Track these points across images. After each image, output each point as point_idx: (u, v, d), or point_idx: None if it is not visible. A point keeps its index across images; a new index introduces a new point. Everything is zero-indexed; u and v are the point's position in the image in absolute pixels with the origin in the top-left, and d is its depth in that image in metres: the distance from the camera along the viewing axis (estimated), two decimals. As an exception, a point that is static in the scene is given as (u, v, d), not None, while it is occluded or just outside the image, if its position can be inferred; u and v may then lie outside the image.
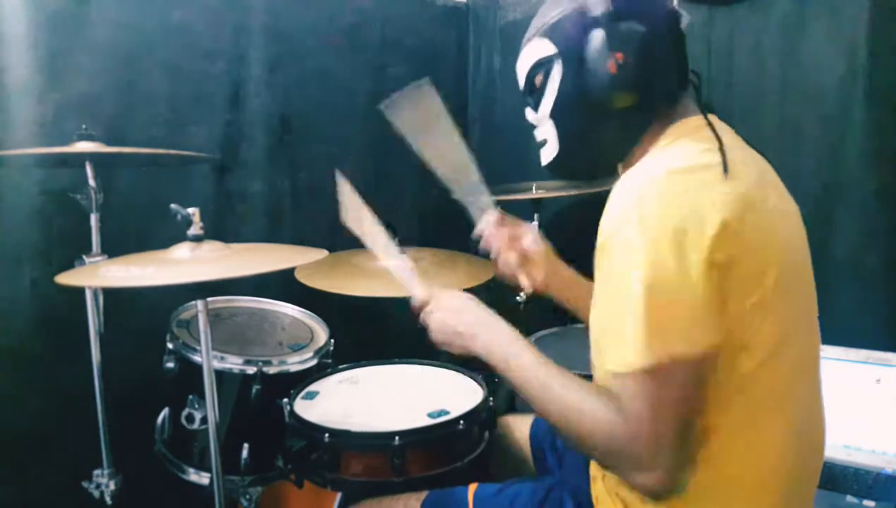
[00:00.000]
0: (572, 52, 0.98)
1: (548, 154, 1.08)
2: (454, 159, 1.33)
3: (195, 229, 1.36)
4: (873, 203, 1.63)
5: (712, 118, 0.99)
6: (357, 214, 1.33)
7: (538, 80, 1.05)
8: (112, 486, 1.63)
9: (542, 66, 1.03)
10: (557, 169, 1.10)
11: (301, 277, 1.72)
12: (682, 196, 0.83)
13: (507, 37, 2.53)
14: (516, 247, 1.33)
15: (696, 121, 0.98)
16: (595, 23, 0.95)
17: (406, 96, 1.26)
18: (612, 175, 1.02)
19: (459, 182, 1.35)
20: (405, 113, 1.26)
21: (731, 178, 0.86)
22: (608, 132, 1.01)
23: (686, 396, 0.83)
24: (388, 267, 1.27)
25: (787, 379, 0.91)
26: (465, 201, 1.39)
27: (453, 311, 1.09)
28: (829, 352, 1.57)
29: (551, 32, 1.01)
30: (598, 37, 0.94)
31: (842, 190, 1.68)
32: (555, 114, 1.05)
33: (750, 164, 0.93)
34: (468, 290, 1.38)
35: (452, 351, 1.09)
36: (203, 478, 1.54)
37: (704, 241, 0.80)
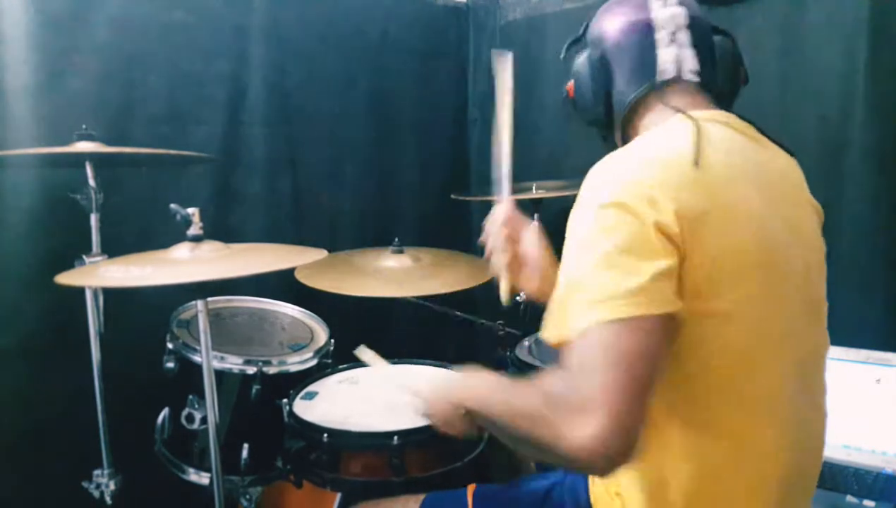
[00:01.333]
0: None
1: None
2: (498, 141, 1.32)
3: (195, 229, 1.36)
4: (873, 203, 1.63)
5: (715, 113, 1.01)
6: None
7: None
8: (112, 486, 1.63)
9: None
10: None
11: (301, 277, 1.72)
12: (641, 180, 0.85)
13: (507, 37, 2.53)
14: (513, 249, 1.30)
15: (680, 102, 1.01)
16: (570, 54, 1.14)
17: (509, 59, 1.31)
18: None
19: (503, 161, 1.34)
20: (509, 70, 1.30)
21: (700, 171, 0.87)
22: (601, 133, 1.15)
23: (633, 353, 0.78)
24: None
25: (776, 381, 0.91)
26: (496, 182, 1.37)
27: (437, 406, 1.09)
28: (829, 352, 1.57)
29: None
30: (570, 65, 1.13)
31: (842, 190, 1.68)
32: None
33: (736, 161, 0.94)
34: (466, 292, 1.38)
35: (471, 433, 1.09)
36: (203, 478, 1.54)
37: (652, 215, 0.82)
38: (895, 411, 1.51)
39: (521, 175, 2.17)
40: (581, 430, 0.75)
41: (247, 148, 2.15)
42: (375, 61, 2.40)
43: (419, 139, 2.53)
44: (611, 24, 1.06)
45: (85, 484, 1.64)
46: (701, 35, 1.05)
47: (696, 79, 1.04)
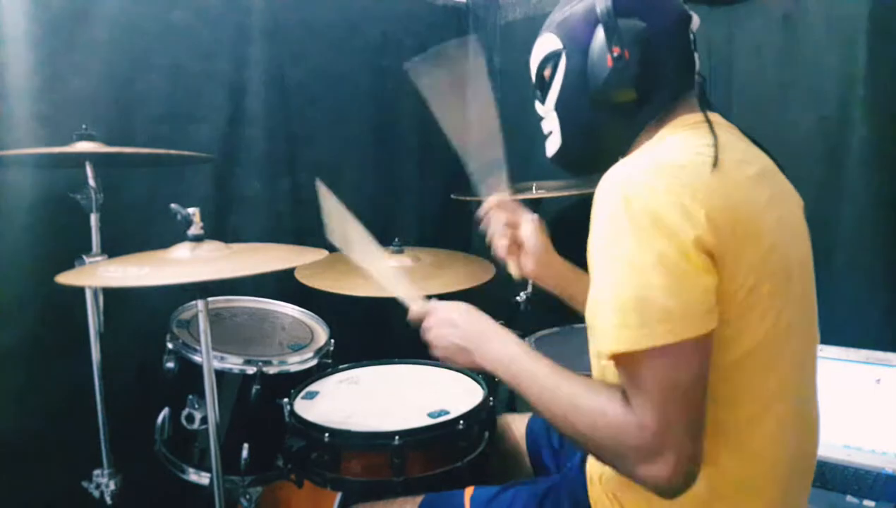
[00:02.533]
0: (576, 47, 1.01)
1: (552, 146, 1.11)
2: (481, 128, 1.30)
3: (195, 229, 1.36)
4: (873, 203, 1.63)
5: (714, 116, 0.99)
6: (342, 227, 1.27)
7: (546, 73, 1.07)
8: (112, 486, 1.63)
9: (550, 60, 1.06)
10: (560, 160, 1.12)
11: (301, 277, 1.72)
12: (669, 187, 0.83)
13: (507, 37, 2.53)
14: (512, 234, 1.31)
15: (694, 117, 0.99)
16: (597, 19, 0.97)
17: (437, 56, 1.25)
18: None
19: (480, 155, 1.32)
20: (434, 73, 1.25)
21: (720, 174, 0.86)
22: (607, 125, 1.03)
23: (691, 379, 0.81)
24: (380, 280, 1.23)
25: (784, 374, 0.92)
26: (476, 177, 1.36)
27: (452, 325, 1.07)
28: (829, 352, 1.57)
29: (558, 28, 1.04)
30: (598, 32, 0.97)
31: (841, 190, 1.68)
32: (558, 107, 1.07)
33: (747, 163, 0.93)
34: (466, 292, 1.38)
35: (457, 365, 1.10)
36: (203, 478, 1.54)
37: (690, 230, 0.80)
38: (895, 411, 1.51)
39: (521, 175, 2.18)
40: (656, 470, 0.80)
41: (247, 148, 2.15)
42: (375, 61, 2.40)
43: (419, 139, 2.53)
44: (658, 6, 0.99)
45: (85, 484, 1.64)
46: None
47: (700, 80, 1.04)
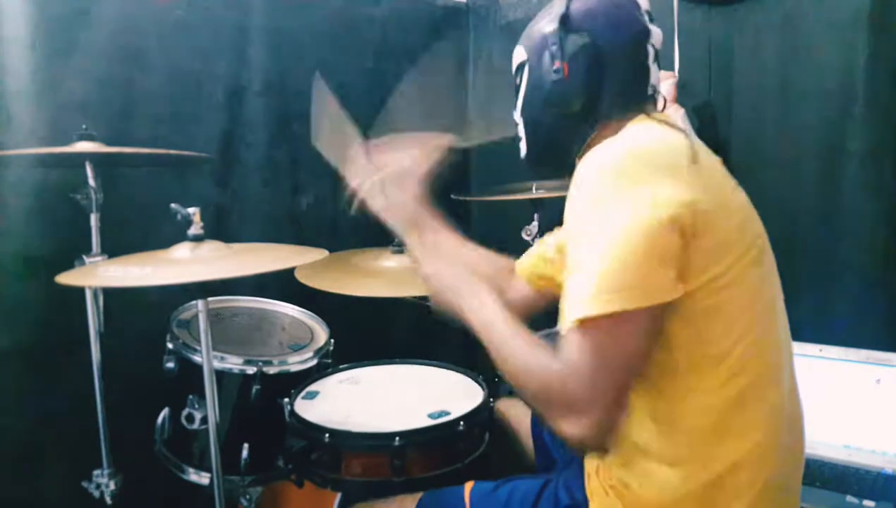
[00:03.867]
0: (534, 59, 1.09)
1: (522, 149, 1.19)
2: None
3: (195, 229, 1.36)
4: (873, 203, 1.63)
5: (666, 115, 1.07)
6: (335, 135, 1.33)
7: (517, 82, 1.15)
8: (112, 486, 1.63)
9: (519, 70, 1.14)
10: (527, 162, 1.20)
11: (301, 277, 1.72)
12: (642, 169, 0.89)
13: (507, 37, 2.52)
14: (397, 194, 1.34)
15: (650, 119, 1.04)
16: (551, 34, 1.06)
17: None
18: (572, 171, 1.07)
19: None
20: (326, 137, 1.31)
21: (697, 166, 0.92)
22: (557, 132, 1.10)
23: (633, 347, 0.86)
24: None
25: (774, 351, 0.96)
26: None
27: (438, 271, 1.15)
28: (829, 352, 1.57)
29: (525, 41, 1.13)
30: (549, 47, 1.05)
31: (841, 189, 1.68)
32: (523, 114, 1.15)
33: (708, 153, 1.00)
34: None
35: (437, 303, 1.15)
36: (203, 478, 1.54)
37: (671, 205, 0.86)
38: (895, 411, 1.51)
39: (521, 175, 2.18)
40: (569, 426, 0.86)
41: (247, 148, 2.15)
42: (375, 61, 2.40)
43: (419, 139, 2.53)
44: (609, 20, 1.05)
45: (85, 484, 1.64)
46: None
47: (654, 93, 1.10)
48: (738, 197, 0.99)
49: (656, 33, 1.07)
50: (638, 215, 0.85)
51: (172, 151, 1.70)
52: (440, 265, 1.16)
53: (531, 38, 1.10)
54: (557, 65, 1.04)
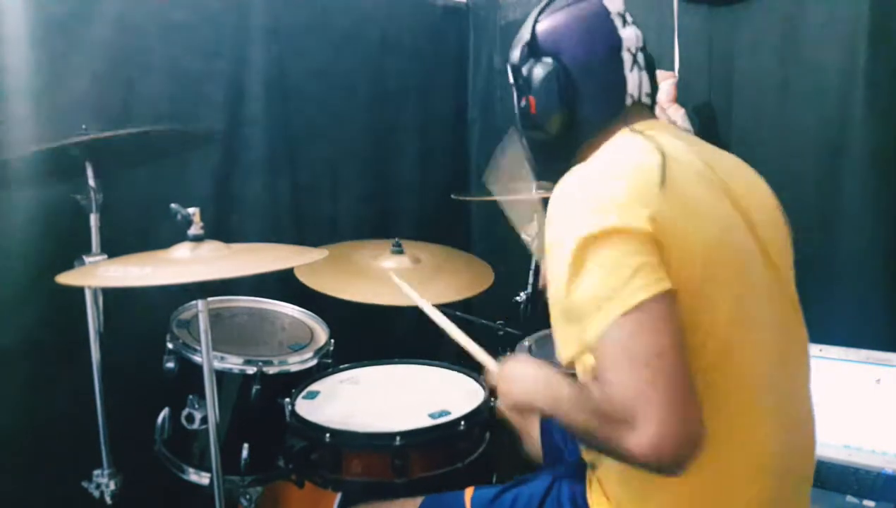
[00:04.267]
0: (512, 87, 1.12)
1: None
2: None
3: (195, 229, 1.36)
4: (873, 203, 1.63)
5: (650, 123, 1.04)
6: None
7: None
8: (112, 486, 1.62)
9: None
10: (532, 172, 1.24)
11: (301, 277, 1.72)
12: (620, 196, 0.88)
13: (507, 37, 2.50)
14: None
15: (641, 125, 1.03)
16: (518, 65, 1.08)
17: None
18: None
19: None
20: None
21: (668, 187, 0.90)
22: (545, 150, 1.13)
23: (651, 342, 0.81)
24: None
25: (760, 369, 0.93)
26: None
27: (511, 381, 1.10)
28: (829, 352, 1.57)
29: (508, 63, 1.13)
30: (518, 80, 1.08)
31: (841, 189, 1.68)
32: (518, 132, 1.16)
33: (688, 163, 0.97)
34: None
35: (525, 414, 1.19)
36: (203, 478, 1.54)
37: (641, 214, 0.85)
38: (895, 411, 1.51)
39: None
40: (637, 441, 0.78)
41: (247, 148, 2.15)
42: (375, 61, 2.40)
43: (419, 139, 2.53)
44: (575, 37, 1.04)
45: (85, 484, 1.64)
46: (649, 56, 1.08)
47: (648, 102, 1.08)
48: (721, 210, 0.95)
49: (629, 37, 1.04)
50: (610, 230, 0.85)
51: (174, 126, 1.66)
52: (511, 387, 1.11)
53: (510, 62, 1.11)
54: (524, 101, 1.07)
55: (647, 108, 1.08)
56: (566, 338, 0.93)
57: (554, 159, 1.11)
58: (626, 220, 0.85)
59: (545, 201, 1.97)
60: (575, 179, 0.95)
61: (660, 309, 0.83)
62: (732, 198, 0.98)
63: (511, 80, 1.11)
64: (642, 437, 0.78)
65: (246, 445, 1.51)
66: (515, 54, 1.09)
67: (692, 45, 1.89)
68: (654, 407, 0.78)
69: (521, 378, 1.08)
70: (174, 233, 1.39)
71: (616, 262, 0.84)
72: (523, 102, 1.08)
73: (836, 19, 1.66)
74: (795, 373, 1.01)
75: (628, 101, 1.05)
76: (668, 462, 0.79)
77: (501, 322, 1.91)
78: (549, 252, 0.92)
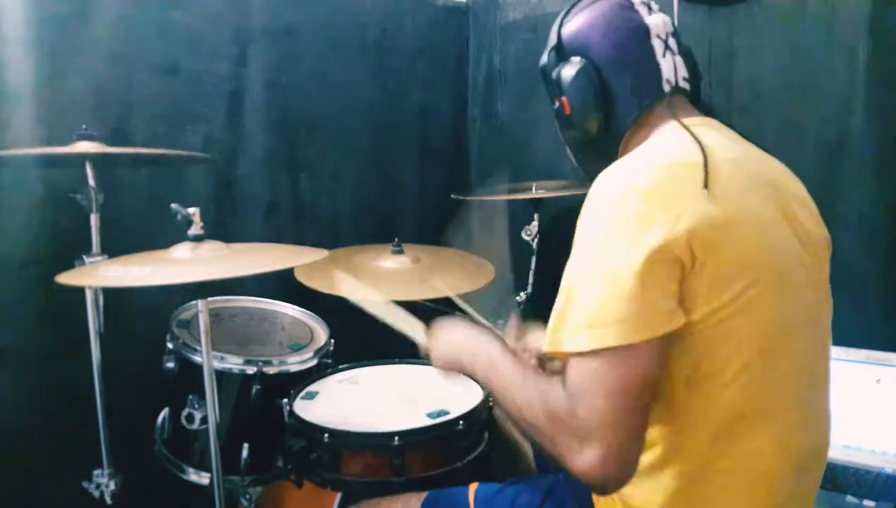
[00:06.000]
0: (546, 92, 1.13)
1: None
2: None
3: (195, 229, 1.36)
4: (873, 203, 1.63)
5: (695, 119, 1.01)
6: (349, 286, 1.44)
7: None
8: (112, 486, 1.62)
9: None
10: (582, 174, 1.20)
11: (301, 277, 1.72)
12: (656, 193, 0.86)
13: (507, 37, 2.53)
14: None
15: (690, 120, 1.00)
16: (548, 69, 1.09)
17: None
18: None
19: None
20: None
21: (710, 189, 0.87)
22: (588, 149, 1.12)
23: (634, 379, 0.82)
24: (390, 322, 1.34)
25: (789, 375, 0.92)
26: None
27: (444, 343, 1.17)
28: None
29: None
30: (550, 84, 1.09)
31: (841, 190, 1.68)
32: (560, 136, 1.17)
33: (736, 164, 0.94)
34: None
35: (455, 374, 1.17)
36: (203, 478, 1.54)
37: (668, 236, 0.82)
38: (895, 411, 1.51)
39: (521, 175, 2.18)
40: (581, 459, 0.81)
41: (247, 148, 2.15)
42: (375, 61, 2.40)
43: (419, 139, 2.53)
44: (600, 32, 1.03)
45: (85, 484, 1.64)
46: (681, 41, 1.07)
47: (687, 87, 1.05)
48: (766, 211, 0.93)
49: (657, 24, 1.03)
50: (633, 247, 0.82)
51: (172, 151, 1.70)
52: (442, 346, 1.18)
53: (540, 67, 1.12)
54: (557, 103, 1.06)
55: (690, 96, 1.06)
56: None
57: (597, 157, 1.07)
58: (658, 236, 0.82)
59: (536, 202, 1.98)
60: (620, 175, 0.91)
61: (649, 349, 0.82)
62: (777, 200, 0.96)
63: (544, 84, 1.12)
64: (595, 458, 0.80)
65: (246, 445, 1.51)
66: (545, 59, 1.10)
67: (692, 45, 1.88)
68: (618, 438, 0.81)
69: (451, 339, 1.15)
70: (174, 233, 1.39)
71: (635, 283, 0.81)
72: (557, 104, 1.07)
73: (836, 19, 1.66)
74: (819, 379, 1.01)
75: (666, 88, 1.03)
76: (611, 485, 0.84)
77: (501, 322, 1.91)
78: (575, 245, 0.90)
